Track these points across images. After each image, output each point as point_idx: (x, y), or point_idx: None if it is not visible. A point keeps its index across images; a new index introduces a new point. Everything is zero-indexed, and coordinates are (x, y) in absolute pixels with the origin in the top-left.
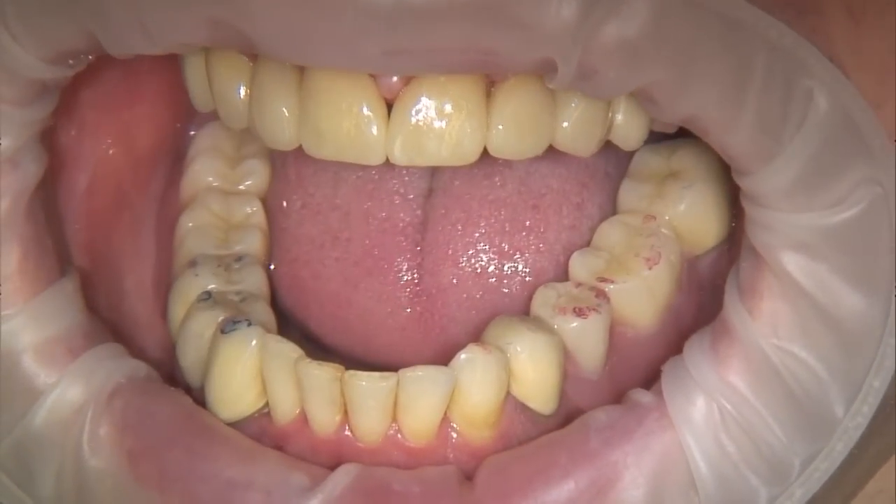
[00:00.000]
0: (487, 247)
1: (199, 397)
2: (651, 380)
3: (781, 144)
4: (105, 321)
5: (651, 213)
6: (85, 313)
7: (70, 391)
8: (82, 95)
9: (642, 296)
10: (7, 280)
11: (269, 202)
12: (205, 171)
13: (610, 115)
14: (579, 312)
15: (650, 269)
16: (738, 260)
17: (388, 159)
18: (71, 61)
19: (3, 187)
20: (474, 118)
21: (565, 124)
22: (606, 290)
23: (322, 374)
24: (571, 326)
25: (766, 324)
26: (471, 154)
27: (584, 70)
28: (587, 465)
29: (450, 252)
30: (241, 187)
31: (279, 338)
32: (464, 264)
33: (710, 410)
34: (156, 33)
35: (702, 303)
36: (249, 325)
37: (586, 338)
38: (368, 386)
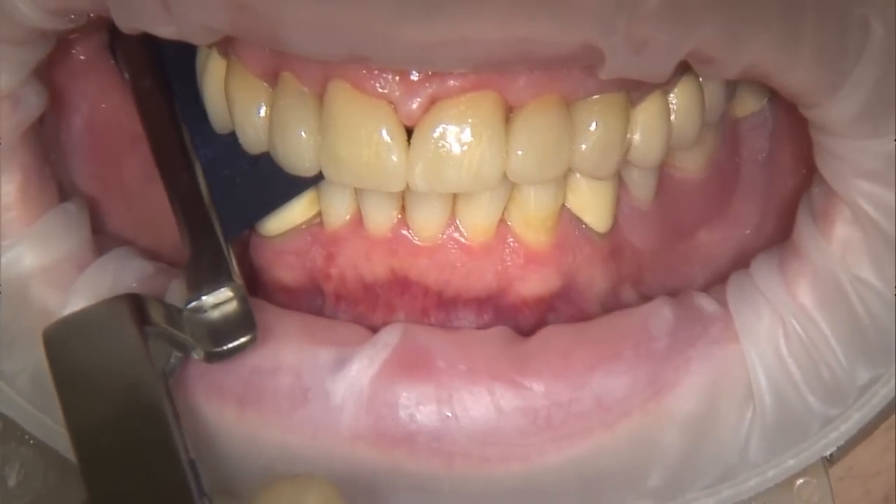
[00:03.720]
0: None
1: None
2: (696, 227)
3: (843, 75)
4: (122, 238)
5: None
6: (90, 231)
7: (80, 306)
8: (76, 44)
9: None
10: (7, 209)
11: None
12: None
13: (628, 136)
14: None
15: None
16: (811, 185)
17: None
18: (72, 16)
19: (4, 122)
20: (494, 144)
21: (584, 147)
22: None
23: None
24: None
25: (837, 249)
26: (491, 180)
27: (635, 43)
28: (651, 364)
29: None
30: None
31: None
32: None
33: (776, 327)
34: (177, 8)
35: (741, 168)
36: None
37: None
38: None
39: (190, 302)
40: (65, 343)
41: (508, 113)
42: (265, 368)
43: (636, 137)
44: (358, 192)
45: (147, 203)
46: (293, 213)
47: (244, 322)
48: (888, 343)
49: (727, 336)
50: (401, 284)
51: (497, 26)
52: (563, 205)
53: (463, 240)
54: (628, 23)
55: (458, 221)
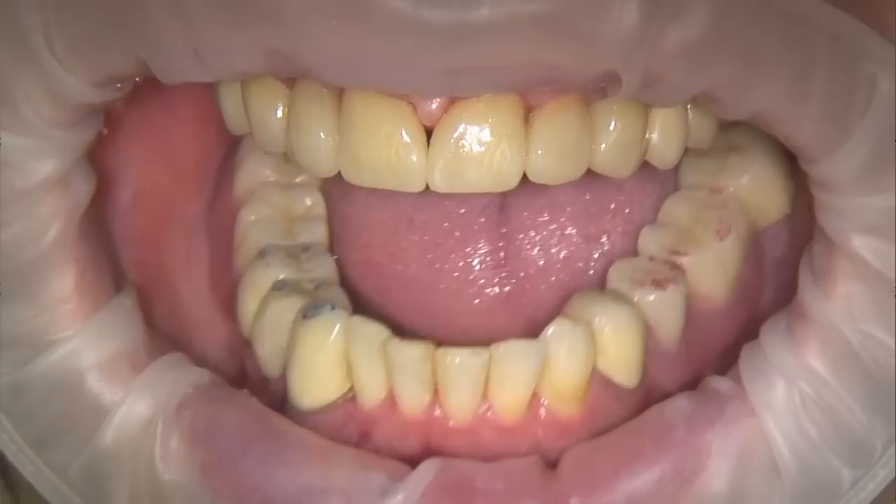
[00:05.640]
0: (574, 231)
1: (277, 387)
2: (724, 353)
3: (848, 131)
4: (163, 332)
5: (716, 186)
6: (144, 328)
7: (137, 406)
8: (118, 113)
9: (715, 268)
10: (64, 302)
11: (328, 190)
12: (260, 165)
13: (647, 135)
14: (657, 284)
15: (721, 240)
16: (811, 244)
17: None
18: (118, 85)
19: (55, 209)
20: (514, 144)
21: (603, 146)
22: (680, 262)
23: (413, 353)
24: (650, 299)
25: (842, 306)
26: (511, 180)
27: (649, 78)
28: (672, 454)
29: (537, 238)
30: (297, 180)
31: (365, 319)
32: (552, 248)
33: (791, 394)
34: (210, 61)
35: (767, 278)
36: (333, 308)
37: (666, 309)
38: (461, 362)
39: None
40: None
41: (528, 112)
42: (316, 488)
43: (654, 137)
44: (389, 373)
45: (185, 301)
46: (328, 390)
47: None
48: None
49: (744, 412)
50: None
51: (524, 54)
52: (594, 367)
53: (496, 418)
54: (647, 60)
55: (490, 401)
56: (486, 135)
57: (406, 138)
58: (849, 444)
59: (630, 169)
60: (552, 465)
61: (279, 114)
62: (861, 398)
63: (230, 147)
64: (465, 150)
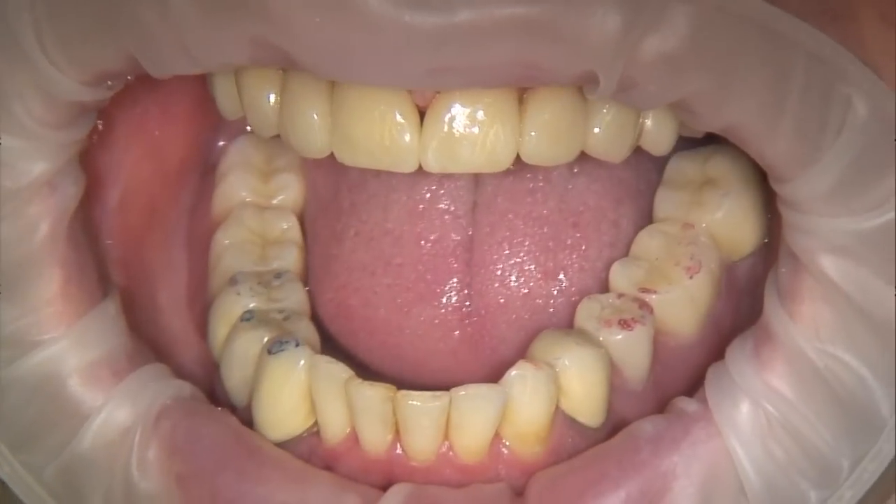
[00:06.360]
0: (533, 266)
1: (244, 416)
2: (694, 387)
3: (820, 151)
4: (144, 337)
5: (689, 222)
6: (127, 335)
7: (117, 414)
8: (111, 112)
9: (684, 305)
10: (49, 304)
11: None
12: (238, 185)
13: (640, 120)
14: (624, 325)
15: (691, 277)
16: (777, 264)
17: (420, 167)
18: (109, 83)
19: (43, 211)
20: (507, 124)
21: (597, 130)
22: (649, 300)
23: (374, 394)
24: (617, 339)
25: (807, 327)
26: (504, 161)
27: (625, 83)
28: (637, 475)
29: (498, 272)
30: (274, 202)
31: (328, 358)
32: (512, 284)
33: (756, 415)
34: (198, 55)
35: (740, 308)
36: (297, 345)
37: (632, 350)
38: (421, 406)
39: None
40: None
41: (522, 94)
42: None
43: (648, 122)
44: (351, 412)
45: (164, 309)
46: (293, 424)
47: None
48: (869, 419)
49: (710, 433)
50: None
51: (505, 55)
52: (557, 408)
53: (457, 458)
54: (625, 66)
55: (451, 443)
56: (479, 115)
57: (399, 118)
58: (815, 465)
59: (623, 153)
60: (518, 493)
61: (272, 96)
62: (827, 419)
63: (214, 155)
64: (459, 130)
